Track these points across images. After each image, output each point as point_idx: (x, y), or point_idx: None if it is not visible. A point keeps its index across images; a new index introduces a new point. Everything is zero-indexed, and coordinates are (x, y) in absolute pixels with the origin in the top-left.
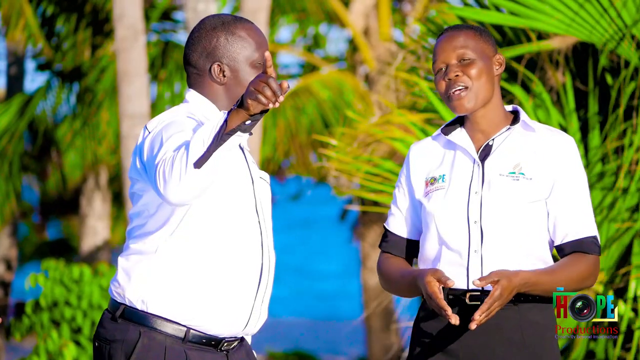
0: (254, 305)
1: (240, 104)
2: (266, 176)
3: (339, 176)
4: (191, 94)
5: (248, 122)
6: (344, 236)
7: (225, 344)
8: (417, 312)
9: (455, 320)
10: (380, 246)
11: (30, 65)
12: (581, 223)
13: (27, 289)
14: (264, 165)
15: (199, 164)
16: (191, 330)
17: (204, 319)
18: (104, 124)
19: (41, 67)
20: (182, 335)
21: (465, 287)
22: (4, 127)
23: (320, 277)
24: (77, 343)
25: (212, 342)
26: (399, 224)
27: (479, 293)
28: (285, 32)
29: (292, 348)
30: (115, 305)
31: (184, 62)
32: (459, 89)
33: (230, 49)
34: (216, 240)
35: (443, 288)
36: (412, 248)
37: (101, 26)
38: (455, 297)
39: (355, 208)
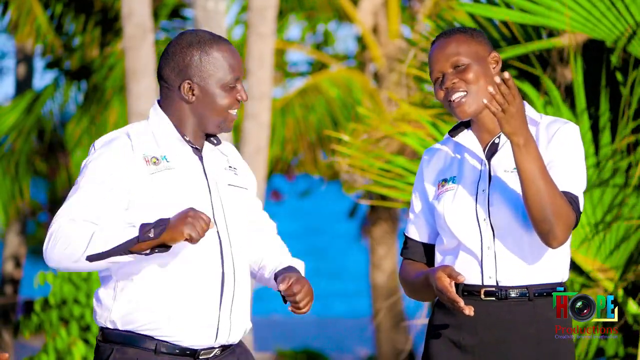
0: (220, 316)
1: (162, 244)
2: (241, 182)
3: (350, 172)
4: (154, 111)
5: (157, 250)
6: (352, 234)
7: (203, 353)
8: (432, 309)
9: (469, 311)
10: (401, 254)
11: (39, 63)
12: (565, 180)
13: (36, 286)
14: (273, 164)
15: (92, 259)
16: (161, 343)
17: (170, 331)
18: (111, 123)
19: (50, 65)
20: (153, 347)
21: (480, 283)
22: (12, 124)
23: (329, 276)
24: (86, 341)
25: (187, 352)
26: (417, 230)
27: (493, 288)
28: (294, 29)
29: (301, 346)
30: (99, 329)
31: (157, 74)
32: (459, 96)
33: (202, 68)
34: (169, 253)
35: (457, 285)
36: (432, 252)
37: (110, 24)
38: (470, 293)
39: (366, 202)
